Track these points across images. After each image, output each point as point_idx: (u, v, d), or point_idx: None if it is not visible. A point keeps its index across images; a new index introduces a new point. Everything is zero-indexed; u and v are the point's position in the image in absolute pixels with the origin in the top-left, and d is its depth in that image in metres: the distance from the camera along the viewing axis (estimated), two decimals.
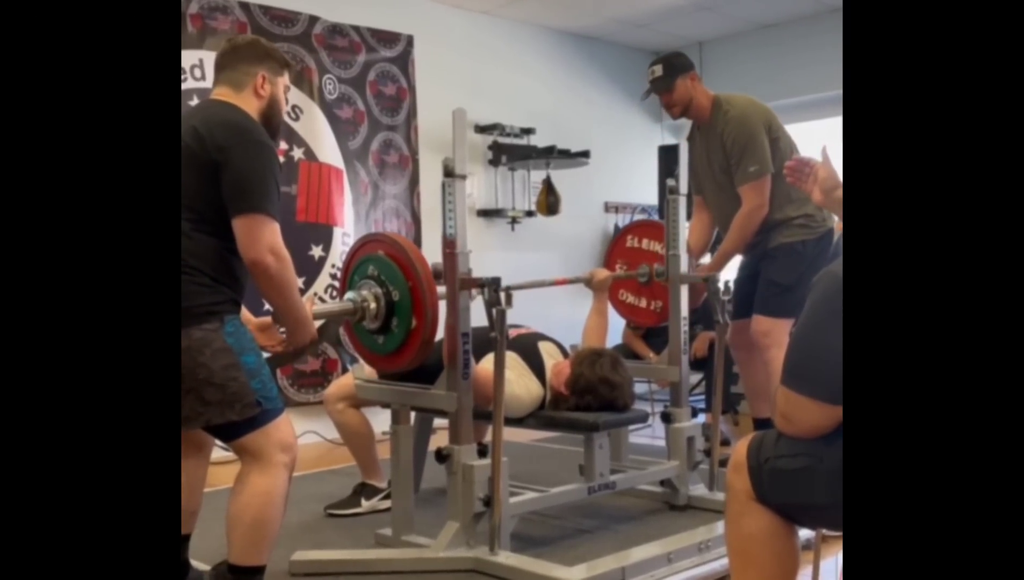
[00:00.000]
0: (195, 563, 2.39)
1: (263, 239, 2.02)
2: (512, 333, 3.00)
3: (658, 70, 3.52)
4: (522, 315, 3.18)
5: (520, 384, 2.84)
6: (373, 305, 2.53)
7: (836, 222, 3.46)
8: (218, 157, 2.03)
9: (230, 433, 2.06)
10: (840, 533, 2.35)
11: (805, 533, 2.30)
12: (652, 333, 4.55)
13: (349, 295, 2.58)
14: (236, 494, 2.07)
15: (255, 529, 2.06)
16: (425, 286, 2.44)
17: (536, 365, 2.95)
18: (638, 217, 6.32)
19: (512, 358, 2.86)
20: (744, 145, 3.38)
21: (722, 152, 3.45)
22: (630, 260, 3.48)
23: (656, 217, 6.05)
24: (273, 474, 2.06)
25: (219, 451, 2.58)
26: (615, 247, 3.64)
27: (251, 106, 2.20)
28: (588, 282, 3.37)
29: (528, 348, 2.99)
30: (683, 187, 3.26)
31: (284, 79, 2.29)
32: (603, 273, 3.37)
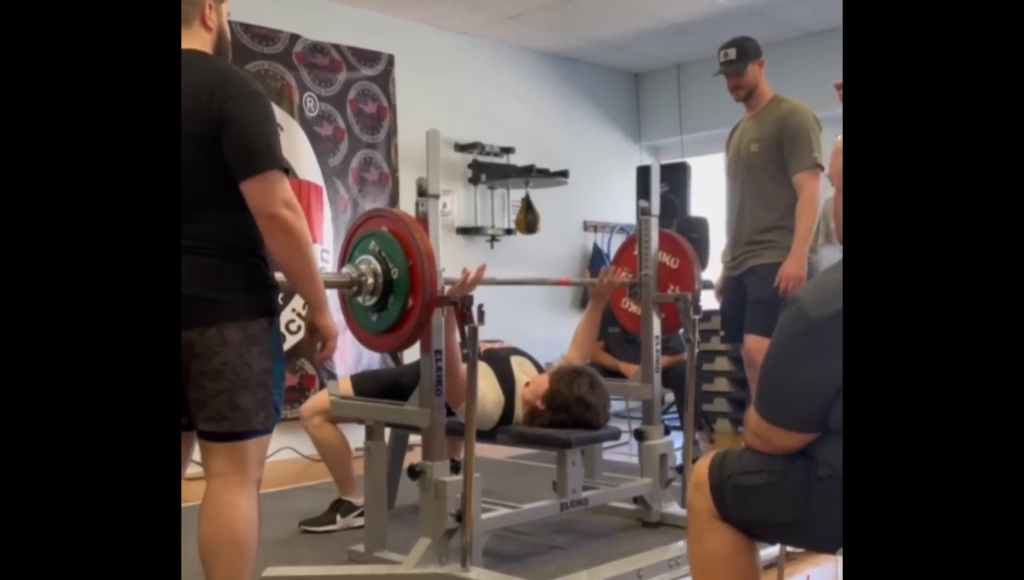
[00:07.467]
0: None
1: (278, 194, 1.83)
2: (485, 346, 3.03)
3: (731, 53, 3.55)
4: (501, 332, 3.21)
5: (484, 390, 2.87)
6: (371, 280, 2.48)
7: (817, 256, 3.52)
8: (221, 114, 1.81)
9: (228, 435, 1.88)
10: (802, 550, 2.39)
11: (771, 550, 2.34)
12: (612, 344, 4.54)
13: (346, 269, 2.54)
14: (217, 516, 1.87)
15: (244, 553, 1.88)
16: (426, 266, 2.41)
17: (505, 377, 2.98)
18: (616, 236, 6.36)
19: (482, 367, 2.88)
20: (807, 134, 3.42)
21: (776, 134, 3.47)
22: (635, 268, 3.42)
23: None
24: (250, 492, 1.91)
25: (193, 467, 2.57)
26: (622, 254, 3.61)
27: (204, 42, 1.94)
28: (594, 286, 3.40)
29: (500, 361, 3.02)
30: (655, 208, 3.30)
31: (226, 5, 2.01)
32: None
